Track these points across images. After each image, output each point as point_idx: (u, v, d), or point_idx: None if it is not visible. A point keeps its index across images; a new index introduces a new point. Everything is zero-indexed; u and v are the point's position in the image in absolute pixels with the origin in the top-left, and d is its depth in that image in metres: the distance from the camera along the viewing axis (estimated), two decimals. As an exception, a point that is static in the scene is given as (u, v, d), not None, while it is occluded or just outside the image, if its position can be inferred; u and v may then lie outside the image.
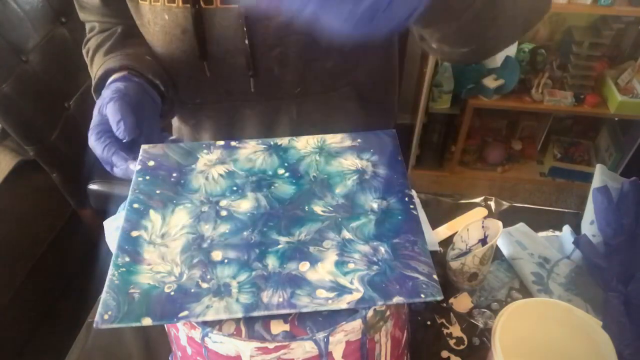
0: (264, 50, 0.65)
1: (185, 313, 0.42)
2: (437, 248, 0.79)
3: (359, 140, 0.57)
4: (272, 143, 0.57)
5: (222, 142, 0.57)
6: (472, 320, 0.69)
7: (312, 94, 0.71)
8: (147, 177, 0.53)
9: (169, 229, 0.48)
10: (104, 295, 0.43)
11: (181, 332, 0.45)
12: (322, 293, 0.43)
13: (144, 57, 0.68)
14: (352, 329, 0.42)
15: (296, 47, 0.65)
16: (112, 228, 0.66)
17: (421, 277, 0.44)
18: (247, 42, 0.63)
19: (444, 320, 0.69)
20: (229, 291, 0.43)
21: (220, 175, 0.54)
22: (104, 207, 1.33)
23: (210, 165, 0.55)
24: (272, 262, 0.45)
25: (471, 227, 0.73)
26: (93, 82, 0.66)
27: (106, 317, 0.41)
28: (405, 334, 0.54)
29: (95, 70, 0.68)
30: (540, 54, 1.87)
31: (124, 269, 0.45)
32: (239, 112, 0.74)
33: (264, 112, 0.73)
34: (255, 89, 0.69)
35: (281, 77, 0.69)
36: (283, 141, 0.57)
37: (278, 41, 0.64)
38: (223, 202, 0.51)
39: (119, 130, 0.56)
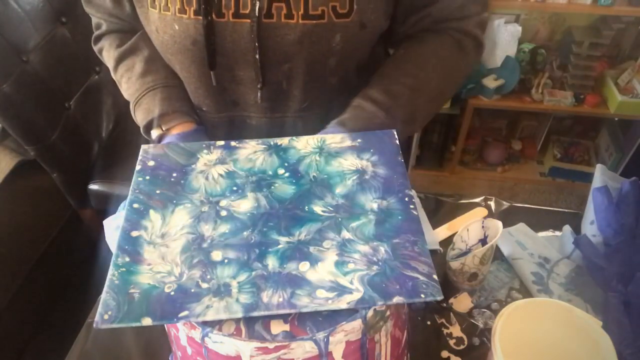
0: (274, 64, 0.65)
1: (185, 313, 0.42)
2: (437, 248, 0.79)
3: (359, 140, 0.57)
4: (272, 143, 0.57)
5: (222, 142, 0.57)
6: (472, 320, 0.69)
7: (316, 108, 0.72)
8: (147, 177, 0.53)
9: (169, 229, 0.48)
10: (104, 295, 0.43)
11: (181, 332, 0.45)
12: (322, 293, 0.43)
13: (182, 89, 0.73)
14: (352, 329, 0.42)
15: (305, 63, 0.65)
16: (112, 227, 0.66)
17: (421, 277, 0.44)
18: (257, 56, 0.63)
19: (444, 320, 0.69)
20: (229, 291, 0.43)
21: (220, 175, 0.54)
22: (105, 207, 1.33)
23: (210, 165, 0.55)
24: (272, 262, 0.45)
25: (471, 227, 0.73)
26: (140, 115, 0.72)
27: (106, 317, 0.41)
28: (405, 334, 0.54)
29: (136, 95, 0.72)
30: (540, 54, 1.87)
31: (124, 269, 0.45)
32: (244, 123, 0.74)
33: (269, 126, 0.74)
34: (262, 102, 0.70)
35: (289, 91, 0.69)
36: (283, 141, 0.57)
37: (288, 57, 0.64)
38: (223, 202, 0.51)
39: None
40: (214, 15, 0.61)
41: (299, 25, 0.61)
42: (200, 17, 0.61)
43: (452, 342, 0.67)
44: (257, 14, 0.60)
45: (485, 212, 0.84)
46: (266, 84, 0.67)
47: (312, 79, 0.68)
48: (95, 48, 0.79)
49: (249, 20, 0.61)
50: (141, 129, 0.73)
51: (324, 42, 0.63)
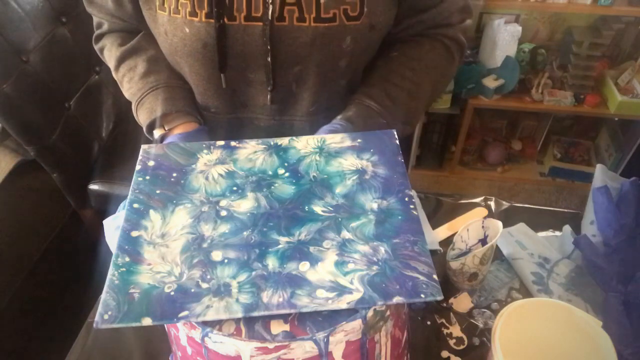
0: (285, 67, 0.65)
1: (185, 313, 0.42)
2: (437, 248, 0.79)
3: (359, 140, 0.57)
4: (272, 143, 0.57)
5: (222, 142, 0.57)
6: (472, 320, 0.69)
7: (324, 111, 0.72)
8: (147, 177, 0.53)
9: (169, 229, 0.48)
10: (104, 295, 0.43)
11: (181, 332, 0.45)
12: (322, 293, 0.43)
13: (184, 89, 0.73)
14: (352, 329, 0.42)
15: (316, 65, 0.65)
16: (112, 227, 0.66)
17: (421, 277, 0.44)
18: (269, 59, 0.63)
19: (444, 320, 0.69)
20: (229, 291, 0.43)
21: (220, 175, 0.54)
22: (105, 207, 1.33)
23: (210, 165, 0.55)
24: (272, 262, 0.45)
25: (471, 227, 0.73)
26: (143, 115, 0.72)
27: (106, 317, 0.41)
28: (405, 334, 0.54)
29: (138, 94, 0.72)
30: (540, 54, 1.87)
31: (124, 269, 0.45)
32: (252, 124, 0.74)
33: (277, 128, 0.74)
34: (272, 104, 0.70)
35: (298, 94, 0.69)
36: (283, 141, 0.57)
37: (299, 59, 0.64)
38: (223, 202, 0.51)
39: None
40: (225, 19, 0.61)
41: (310, 28, 0.61)
42: (212, 20, 0.60)
43: (452, 342, 0.67)
44: (269, 17, 0.60)
45: (485, 212, 0.84)
46: (276, 86, 0.67)
47: (322, 82, 0.68)
48: (97, 47, 0.78)
49: (261, 24, 0.61)
50: (144, 129, 0.73)
51: (335, 44, 0.63)
